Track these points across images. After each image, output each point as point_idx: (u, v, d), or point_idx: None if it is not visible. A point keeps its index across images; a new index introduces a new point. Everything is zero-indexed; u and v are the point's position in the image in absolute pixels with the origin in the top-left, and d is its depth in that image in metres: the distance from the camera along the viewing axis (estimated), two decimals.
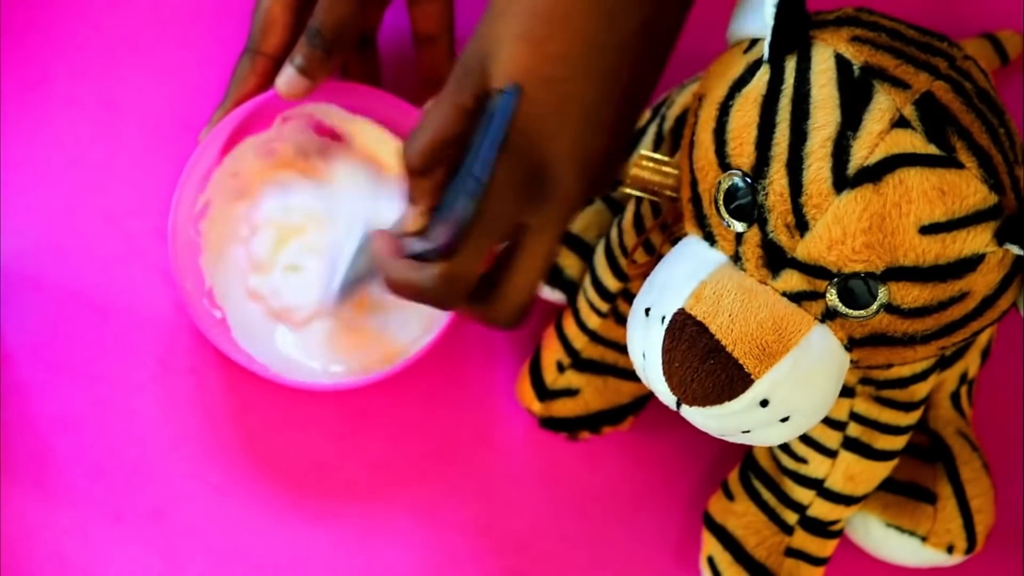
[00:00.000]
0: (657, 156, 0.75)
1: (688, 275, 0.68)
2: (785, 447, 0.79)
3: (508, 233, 0.68)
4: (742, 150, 0.67)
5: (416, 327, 0.81)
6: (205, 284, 0.82)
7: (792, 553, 0.80)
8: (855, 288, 0.66)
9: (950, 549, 0.80)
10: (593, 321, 0.81)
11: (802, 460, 0.78)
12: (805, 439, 0.78)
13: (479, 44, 0.67)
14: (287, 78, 0.79)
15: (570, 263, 0.82)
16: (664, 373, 0.67)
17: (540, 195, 0.67)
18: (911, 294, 0.66)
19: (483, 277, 0.69)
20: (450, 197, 0.67)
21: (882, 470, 0.78)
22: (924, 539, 0.80)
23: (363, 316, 0.82)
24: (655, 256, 0.77)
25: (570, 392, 0.82)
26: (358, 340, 0.82)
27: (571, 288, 0.83)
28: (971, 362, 0.80)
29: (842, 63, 0.66)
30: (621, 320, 0.80)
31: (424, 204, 0.69)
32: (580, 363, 0.81)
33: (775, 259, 0.67)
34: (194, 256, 0.82)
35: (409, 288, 0.68)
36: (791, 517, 0.79)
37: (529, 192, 0.67)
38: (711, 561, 0.81)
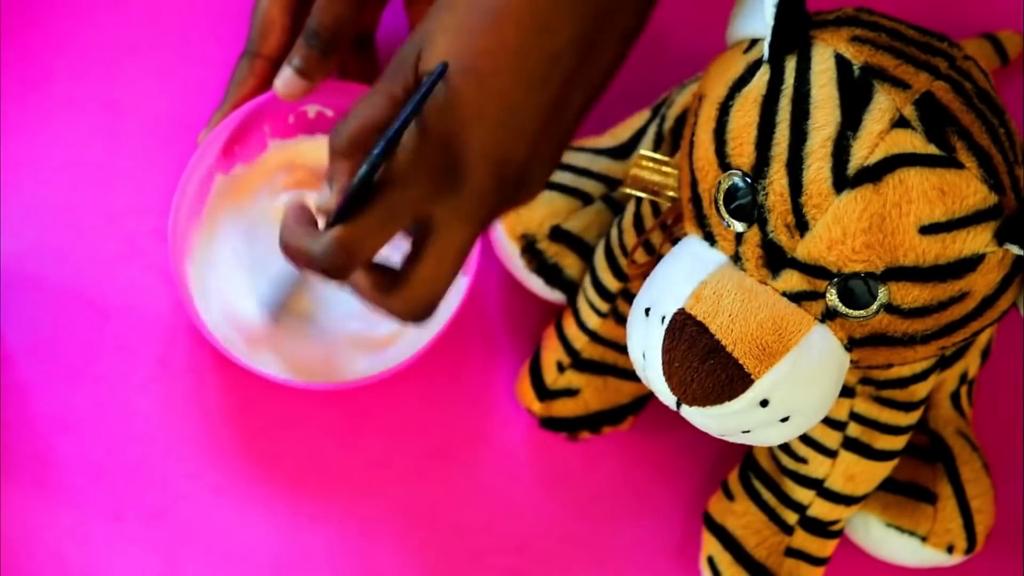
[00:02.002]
0: (657, 156, 0.75)
1: (688, 275, 0.68)
2: (785, 447, 0.79)
3: (412, 217, 0.67)
4: (742, 150, 0.67)
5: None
6: (205, 283, 0.82)
7: (792, 553, 0.80)
8: (855, 288, 0.66)
9: (950, 549, 0.80)
10: (593, 321, 0.81)
11: (802, 460, 0.78)
12: (805, 439, 0.78)
13: (417, 35, 0.67)
14: (285, 79, 0.79)
15: (570, 263, 0.82)
16: (664, 373, 0.67)
17: (450, 185, 0.66)
18: (911, 294, 0.66)
19: (392, 270, 0.68)
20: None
21: (882, 470, 0.78)
22: (924, 539, 0.80)
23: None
24: (655, 256, 0.77)
25: (570, 392, 0.82)
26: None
27: (571, 288, 0.83)
28: (971, 362, 0.80)
29: (842, 63, 0.66)
30: (621, 320, 0.80)
31: (340, 184, 0.68)
32: (580, 363, 0.81)
33: (775, 259, 0.67)
34: (193, 255, 0.82)
35: (301, 254, 0.68)
36: (791, 517, 0.79)
37: (438, 179, 0.66)
38: (711, 561, 0.81)
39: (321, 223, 0.69)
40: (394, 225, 0.66)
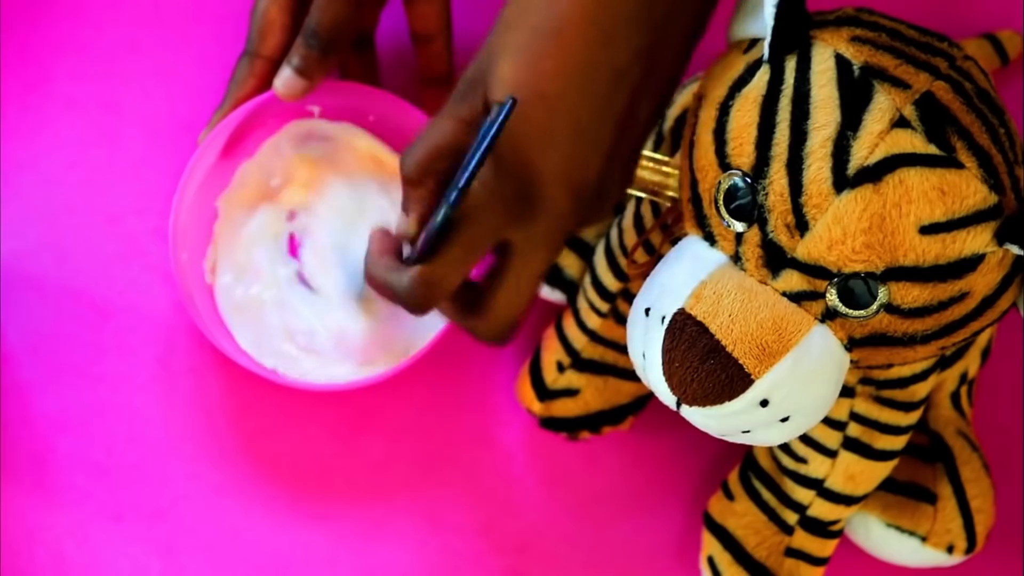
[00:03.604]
0: (657, 156, 0.75)
1: (688, 275, 0.68)
2: (785, 447, 0.79)
3: (491, 247, 0.68)
4: (742, 150, 0.67)
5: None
6: (205, 283, 0.82)
7: (792, 553, 0.80)
8: (855, 288, 0.66)
9: (950, 549, 0.80)
10: (593, 321, 0.81)
11: (802, 460, 0.78)
12: (805, 439, 0.78)
13: (482, 58, 0.67)
14: (285, 79, 0.79)
15: (570, 263, 0.82)
16: (664, 373, 0.67)
17: (527, 212, 0.67)
18: (911, 294, 0.66)
19: (474, 290, 0.70)
20: (437, 207, 0.67)
21: (882, 470, 0.78)
22: (924, 539, 0.80)
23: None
24: (655, 256, 0.77)
25: (570, 392, 0.82)
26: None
27: (571, 288, 0.83)
28: (971, 362, 0.80)
29: (842, 63, 0.66)
30: (621, 320, 0.80)
31: (416, 213, 0.69)
32: (580, 363, 0.81)
33: (775, 259, 0.67)
34: (194, 256, 0.82)
35: (385, 288, 0.70)
36: (791, 517, 0.79)
37: (516, 208, 0.67)
38: (711, 561, 0.81)
39: (405, 250, 0.70)
40: (474, 258, 0.68)
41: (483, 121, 0.66)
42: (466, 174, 0.64)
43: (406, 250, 0.70)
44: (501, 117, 0.63)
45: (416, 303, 0.68)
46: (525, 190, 0.66)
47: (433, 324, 0.80)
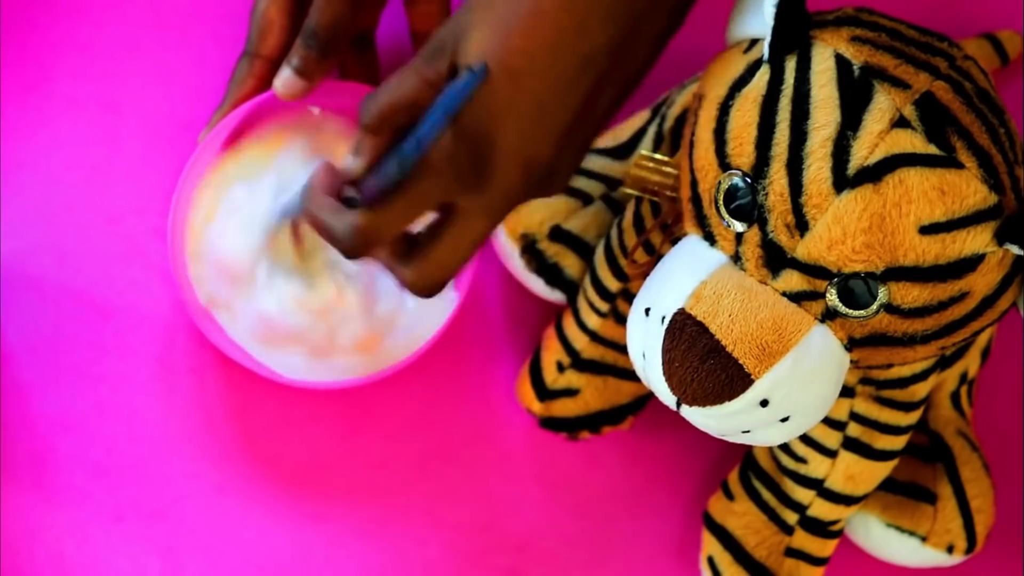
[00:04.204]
0: (657, 156, 0.75)
1: (688, 275, 0.68)
2: (785, 447, 0.79)
3: (435, 207, 0.69)
4: (742, 150, 0.67)
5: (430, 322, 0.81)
6: (206, 283, 0.82)
7: (792, 553, 0.80)
8: (855, 288, 0.66)
9: (950, 549, 0.80)
10: (593, 321, 0.81)
11: (802, 460, 0.78)
12: (805, 439, 0.78)
13: (455, 23, 0.68)
14: (284, 79, 0.79)
15: (570, 263, 0.82)
16: (664, 373, 0.67)
17: (477, 181, 0.67)
18: (911, 294, 0.66)
19: (410, 240, 0.71)
20: (388, 157, 0.68)
21: (882, 470, 0.78)
22: (924, 539, 0.80)
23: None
24: (655, 256, 0.77)
25: (570, 392, 0.82)
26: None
27: (571, 288, 0.83)
28: (971, 362, 0.80)
29: (842, 63, 0.66)
30: (621, 320, 0.80)
31: (366, 158, 0.70)
32: (580, 363, 0.81)
33: (775, 259, 0.67)
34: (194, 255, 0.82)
35: (324, 229, 0.70)
36: (791, 517, 0.79)
37: (466, 175, 0.67)
38: (711, 561, 0.81)
39: (343, 185, 0.71)
40: (415, 213, 0.69)
41: (448, 84, 0.66)
42: (427, 137, 0.65)
43: (348, 190, 0.71)
44: (471, 83, 0.64)
45: (352, 248, 0.69)
46: (479, 159, 0.67)
47: (433, 324, 0.80)
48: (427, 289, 0.71)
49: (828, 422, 0.77)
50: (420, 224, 0.70)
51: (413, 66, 0.69)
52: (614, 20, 0.66)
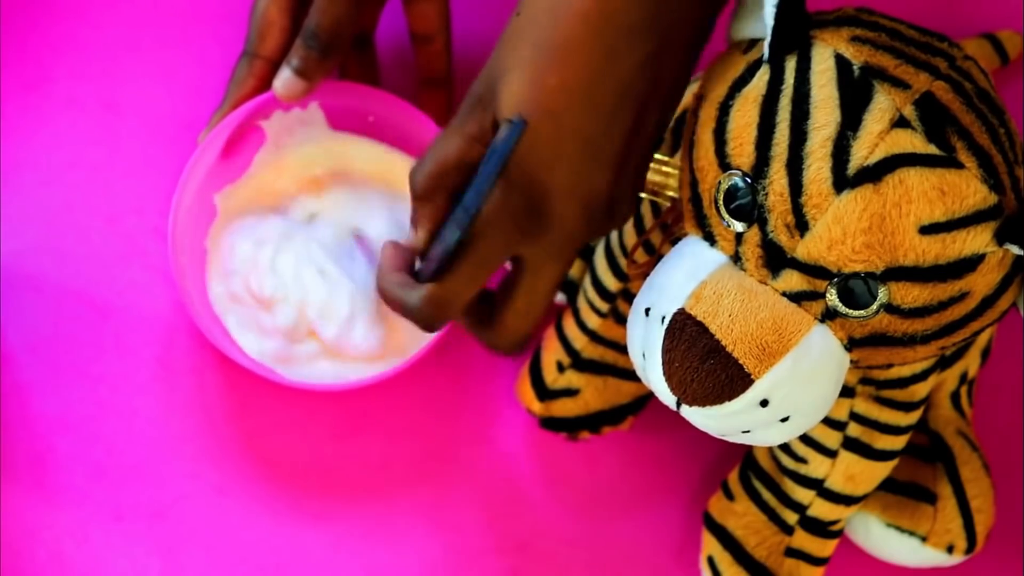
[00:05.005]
0: (657, 156, 0.75)
1: (688, 275, 0.68)
2: (785, 447, 0.79)
3: (503, 263, 0.68)
4: (742, 150, 0.67)
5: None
6: (206, 284, 0.82)
7: (792, 553, 0.80)
8: (855, 288, 0.66)
9: (950, 549, 0.80)
10: (593, 321, 0.81)
11: (802, 460, 0.78)
12: (805, 439, 0.78)
13: (488, 73, 0.67)
14: (284, 80, 0.79)
15: None
16: (664, 373, 0.67)
17: (537, 228, 0.67)
18: (911, 294, 0.66)
19: (487, 300, 0.70)
20: (446, 223, 0.67)
21: (882, 470, 0.78)
22: (924, 539, 0.80)
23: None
24: (655, 256, 0.77)
25: (570, 392, 0.82)
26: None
27: (571, 288, 0.83)
28: (971, 362, 0.80)
29: (842, 63, 0.66)
30: (621, 320, 0.80)
31: (426, 227, 0.70)
32: (580, 363, 0.81)
33: (775, 259, 0.67)
34: (194, 255, 0.82)
35: (398, 305, 0.70)
36: (791, 517, 0.79)
37: (525, 224, 0.67)
38: (711, 561, 0.81)
39: (416, 263, 0.70)
40: (486, 275, 0.68)
41: (491, 138, 0.66)
42: (477, 196, 0.64)
43: (417, 263, 0.71)
44: (511, 139, 0.63)
45: (427, 321, 0.69)
46: (535, 206, 0.67)
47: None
48: (514, 348, 0.71)
49: (828, 422, 0.77)
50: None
51: (453, 125, 0.68)
52: (642, 39, 0.66)
